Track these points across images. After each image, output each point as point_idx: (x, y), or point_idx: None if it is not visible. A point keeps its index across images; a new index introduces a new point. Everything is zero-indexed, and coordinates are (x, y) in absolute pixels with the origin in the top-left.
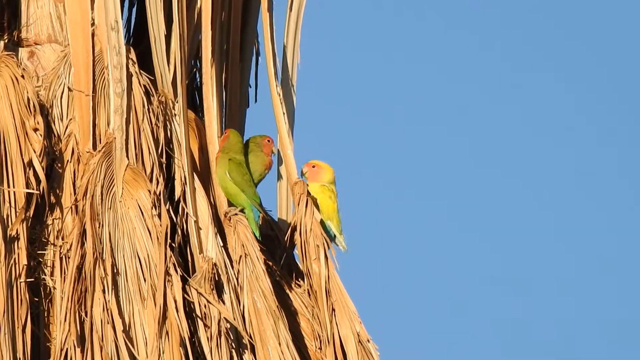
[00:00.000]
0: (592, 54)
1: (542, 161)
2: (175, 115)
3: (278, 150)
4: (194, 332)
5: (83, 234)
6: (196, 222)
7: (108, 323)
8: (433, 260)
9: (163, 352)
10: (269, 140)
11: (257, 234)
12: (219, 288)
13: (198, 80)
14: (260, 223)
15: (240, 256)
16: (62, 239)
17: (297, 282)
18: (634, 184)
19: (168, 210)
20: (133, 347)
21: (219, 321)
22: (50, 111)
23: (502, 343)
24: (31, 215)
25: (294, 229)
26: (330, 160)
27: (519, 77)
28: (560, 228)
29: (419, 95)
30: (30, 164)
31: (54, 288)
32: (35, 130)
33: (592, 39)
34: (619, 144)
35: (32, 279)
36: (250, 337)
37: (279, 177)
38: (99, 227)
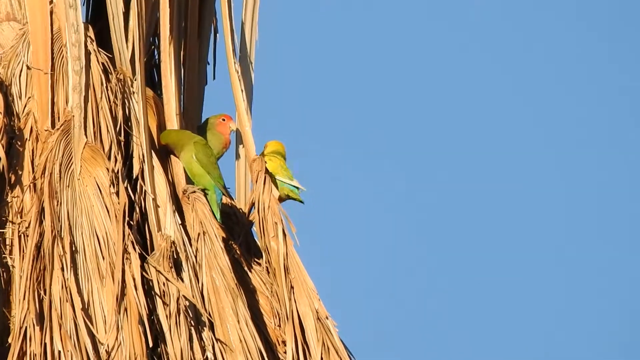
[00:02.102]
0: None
1: (542, 161)
2: (133, 93)
3: (237, 129)
4: (152, 310)
5: (41, 212)
6: (154, 200)
7: (67, 301)
8: (394, 236)
9: (122, 330)
10: (224, 119)
11: (218, 216)
12: (177, 266)
13: (156, 57)
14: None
15: (199, 234)
16: (21, 217)
17: (255, 259)
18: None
19: (126, 188)
20: (92, 325)
21: (178, 299)
22: (8, 89)
23: (464, 323)
24: None
25: (252, 206)
26: (288, 137)
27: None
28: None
29: (377, 69)
30: None
31: (13, 266)
32: None
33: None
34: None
35: None
36: (209, 314)
37: (238, 154)
38: (57, 205)
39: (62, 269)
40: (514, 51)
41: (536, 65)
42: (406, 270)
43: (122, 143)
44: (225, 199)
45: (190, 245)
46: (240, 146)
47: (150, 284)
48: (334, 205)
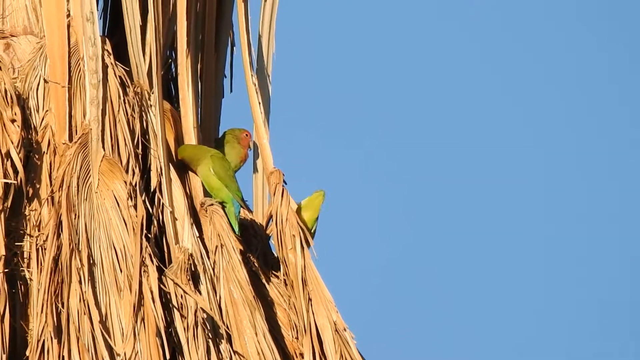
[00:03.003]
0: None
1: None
2: (151, 106)
3: (255, 143)
4: (170, 323)
5: (59, 225)
6: (172, 212)
7: (85, 314)
8: (412, 250)
9: (140, 342)
10: (247, 135)
11: (237, 229)
12: (195, 278)
13: (173, 70)
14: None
15: (217, 246)
16: (39, 230)
17: (273, 272)
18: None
19: (144, 201)
20: (110, 337)
21: (196, 311)
22: (26, 103)
23: (483, 337)
24: (8, 207)
25: (270, 218)
26: (306, 150)
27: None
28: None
29: (395, 82)
30: (8, 154)
31: (31, 279)
32: (13, 121)
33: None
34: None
35: (9, 270)
36: (227, 327)
37: (255, 167)
38: (75, 218)
39: (80, 282)
40: (512, 51)
41: (531, 65)
42: (420, 277)
43: (140, 156)
44: (243, 212)
45: (208, 257)
46: (258, 157)
47: (168, 296)
48: (351, 216)
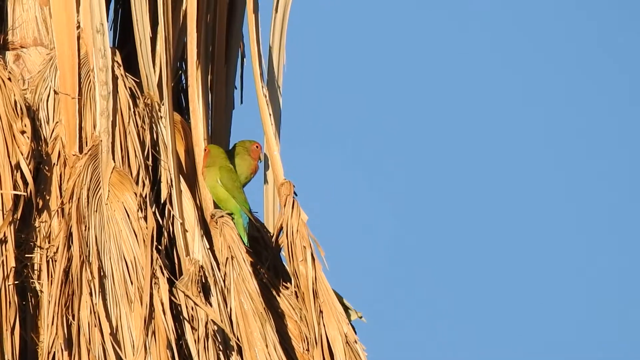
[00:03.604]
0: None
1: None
2: (161, 117)
3: (265, 154)
4: (181, 335)
5: (69, 237)
6: (182, 224)
7: (95, 326)
8: (419, 261)
9: (150, 354)
10: (257, 147)
11: (245, 240)
12: (206, 290)
13: (184, 82)
14: (249, 230)
15: (227, 258)
16: (49, 242)
17: (284, 283)
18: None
19: (154, 213)
20: (120, 350)
21: (206, 323)
22: (36, 114)
23: (495, 343)
24: (18, 218)
25: (281, 230)
26: (317, 161)
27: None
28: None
29: (407, 94)
30: (18, 166)
31: (41, 291)
32: (23, 132)
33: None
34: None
35: (19, 282)
36: (238, 339)
37: (266, 178)
38: (85, 230)
39: (91, 294)
40: (516, 51)
41: (537, 66)
42: (431, 291)
43: (150, 168)
44: (253, 223)
45: (219, 269)
46: (268, 169)
47: (179, 308)
48: (363, 227)
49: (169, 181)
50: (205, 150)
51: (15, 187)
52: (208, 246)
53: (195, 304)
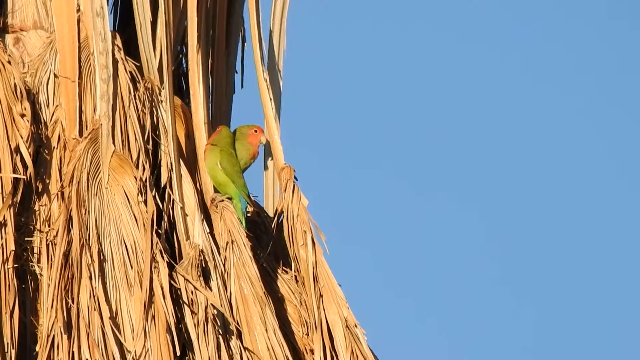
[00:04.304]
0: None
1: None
2: (161, 101)
3: (267, 140)
4: (180, 319)
5: (69, 220)
6: (182, 208)
7: (95, 310)
8: (422, 246)
9: (150, 338)
10: (255, 131)
11: (244, 225)
12: (205, 275)
13: (184, 66)
14: (248, 213)
15: (227, 242)
16: (49, 225)
17: (284, 268)
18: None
19: (154, 197)
20: (120, 333)
21: (206, 308)
22: (36, 98)
23: (497, 337)
24: (18, 202)
25: (281, 214)
26: (317, 146)
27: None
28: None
29: (407, 78)
30: (18, 149)
31: (41, 275)
32: (22, 116)
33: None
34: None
35: (19, 266)
36: (238, 323)
37: (266, 163)
38: (85, 214)
39: (90, 278)
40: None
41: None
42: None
43: (150, 151)
44: (252, 208)
45: (219, 253)
46: (269, 156)
47: (179, 292)
48: (365, 211)
49: (169, 165)
50: (218, 128)
51: (15, 171)
52: (208, 230)
53: (195, 288)
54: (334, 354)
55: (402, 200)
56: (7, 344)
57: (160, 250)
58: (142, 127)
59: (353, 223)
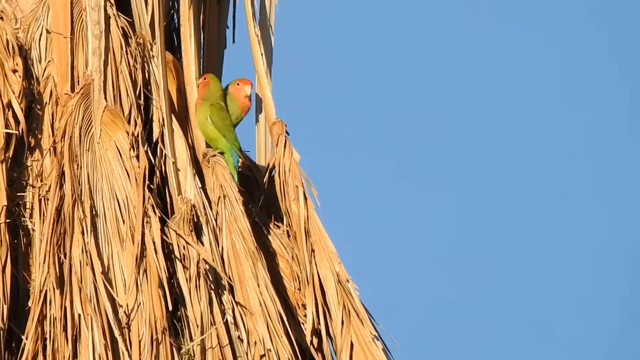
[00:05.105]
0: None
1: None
2: (153, 56)
3: (257, 94)
4: (172, 274)
5: (62, 175)
6: (174, 163)
7: (87, 265)
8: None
9: (142, 293)
10: (239, 84)
11: (236, 179)
12: (197, 229)
13: (176, 21)
14: (240, 168)
15: (219, 197)
16: (41, 180)
17: (276, 223)
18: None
19: (146, 152)
20: (112, 288)
21: (198, 262)
22: (28, 53)
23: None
24: (10, 157)
25: (273, 169)
26: (308, 103)
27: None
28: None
29: (398, 36)
30: (10, 105)
31: (33, 230)
32: (14, 71)
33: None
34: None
35: (11, 221)
36: (229, 278)
37: (258, 118)
38: (77, 169)
39: (82, 233)
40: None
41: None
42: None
43: (142, 107)
44: (245, 162)
45: (211, 208)
46: (261, 111)
47: (170, 247)
48: (350, 171)
49: (161, 120)
50: (205, 79)
51: (7, 126)
52: (200, 185)
53: (187, 242)
54: (326, 309)
55: (394, 156)
56: (0, 299)
57: (152, 205)
58: (134, 83)
59: (345, 178)
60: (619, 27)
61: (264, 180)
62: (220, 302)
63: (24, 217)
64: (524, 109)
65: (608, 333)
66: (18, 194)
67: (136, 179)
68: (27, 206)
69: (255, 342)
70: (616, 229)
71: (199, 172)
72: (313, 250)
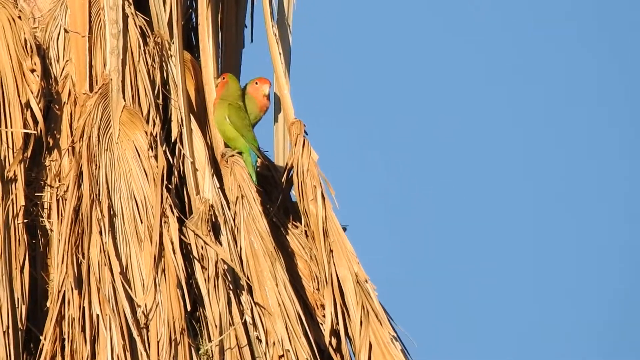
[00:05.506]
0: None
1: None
2: (171, 56)
3: (275, 94)
4: (191, 274)
5: (80, 175)
6: (193, 163)
7: (105, 265)
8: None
9: (160, 293)
10: (257, 83)
11: (254, 178)
12: (216, 229)
13: (194, 20)
14: (258, 167)
15: (237, 197)
16: (59, 180)
17: (294, 223)
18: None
19: (165, 152)
20: (130, 289)
21: (216, 263)
22: (46, 53)
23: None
24: (28, 157)
25: (291, 169)
26: (326, 102)
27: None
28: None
29: (414, 36)
30: (28, 104)
31: (51, 230)
32: (33, 71)
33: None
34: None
35: (29, 221)
36: (248, 278)
37: (276, 117)
38: (95, 169)
39: (101, 233)
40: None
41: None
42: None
43: (161, 106)
44: (264, 162)
45: (229, 208)
46: (279, 110)
47: (189, 247)
48: (365, 166)
49: (180, 120)
50: (223, 79)
51: (25, 126)
52: (218, 185)
53: (205, 243)
54: (344, 309)
55: (411, 154)
56: (18, 299)
57: (170, 205)
58: (152, 82)
59: (364, 179)
60: (619, 27)
61: (282, 180)
62: (239, 303)
63: (42, 217)
64: (523, 109)
65: (607, 333)
66: (36, 194)
67: (154, 179)
68: (45, 206)
69: (274, 343)
70: (616, 229)
71: (217, 172)
72: (331, 251)
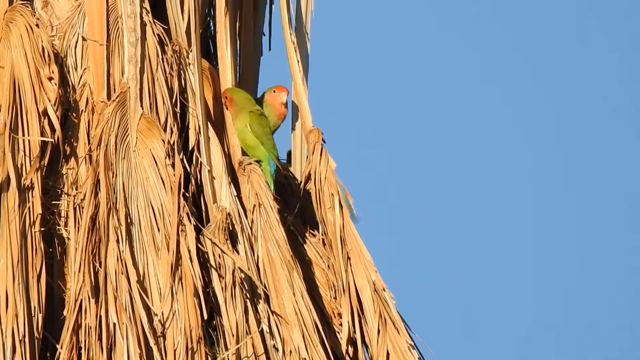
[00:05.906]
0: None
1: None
2: (189, 64)
3: (293, 102)
4: (208, 283)
5: (97, 183)
6: (210, 171)
7: (122, 273)
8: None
9: (177, 302)
10: (274, 91)
11: (272, 188)
12: (233, 238)
13: (212, 28)
14: (276, 176)
15: (254, 205)
16: (76, 189)
17: (311, 231)
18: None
19: (182, 160)
20: (147, 297)
21: (234, 271)
22: (64, 61)
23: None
24: (45, 165)
25: (308, 177)
26: (344, 109)
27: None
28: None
29: (432, 43)
30: (45, 112)
31: (68, 238)
32: (50, 79)
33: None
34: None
35: (46, 229)
36: (265, 287)
37: (294, 125)
38: (112, 177)
39: (118, 241)
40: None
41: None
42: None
43: (178, 114)
44: (283, 171)
45: (246, 217)
46: (297, 118)
47: (206, 256)
48: (387, 174)
49: (197, 128)
50: (225, 97)
51: (42, 134)
52: (235, 193)
53: (222, 251)
54: (362, 318)
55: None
56: (35, 308)
57: (188, 214)
58: (170, 90)
59: (381, 186)
60: (619, 27)
61: (300, 188)
62: (256, 311)
63: (59, 225)
64: (523, 109)
65: (607, 333)
66: (53, 202)
67: (171, 187)
68: (62, 214)
69: (291, 351)
70: (616, 229)
71: (234, 180)
72: (349, 259)
